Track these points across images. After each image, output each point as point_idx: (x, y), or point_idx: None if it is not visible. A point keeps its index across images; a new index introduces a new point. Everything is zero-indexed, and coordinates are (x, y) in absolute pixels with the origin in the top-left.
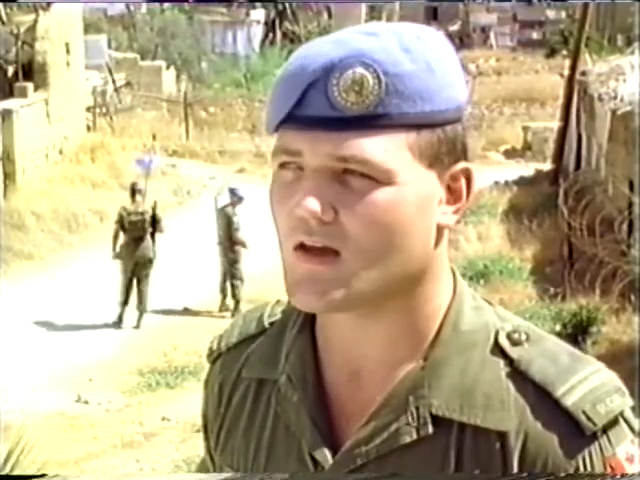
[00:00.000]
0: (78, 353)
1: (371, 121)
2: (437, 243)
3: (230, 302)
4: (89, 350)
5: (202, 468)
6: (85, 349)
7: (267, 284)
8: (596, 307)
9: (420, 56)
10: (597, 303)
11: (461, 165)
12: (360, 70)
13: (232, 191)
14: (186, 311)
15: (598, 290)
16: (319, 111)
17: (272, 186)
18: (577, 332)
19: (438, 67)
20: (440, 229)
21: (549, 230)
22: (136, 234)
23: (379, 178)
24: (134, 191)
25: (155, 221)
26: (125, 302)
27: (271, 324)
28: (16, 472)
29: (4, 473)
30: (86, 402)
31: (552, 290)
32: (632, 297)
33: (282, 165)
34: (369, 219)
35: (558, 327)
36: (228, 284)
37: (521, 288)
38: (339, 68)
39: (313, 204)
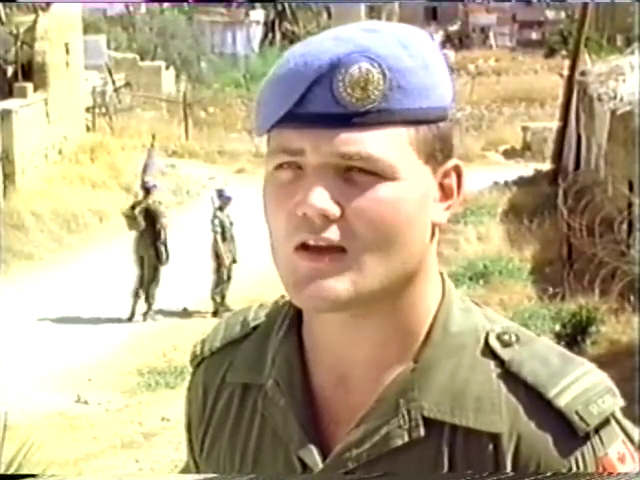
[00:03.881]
0: (78, 353)
1: (374, 117)
2: (430, 241)
3: (227, 304)
4: (89, 350)
5: (186, 473)
6: (85, 349)
7: (267, 284)
8: (595, 307)
9: (417, 53)
10: (596, 303)
11: (452, 162)
12: (366, 65)
13: (220, 193)
14: (186, 311)
15: (597, 290)
16: (323, 108)
17: (266, 188)
18: (576, 332)
19: (432, 64)
20: (433, 227)
21: (548, 230)
22: (130, 229)
23: (383, 174)
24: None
25: (151, 217)
26: (135, 296)
27: (255, 328)
28: (16, 472)
29: (4, 473)
30: (86, 402)
31: (551, 290)
32: (631, 297)
33: (279, 166)
34: (375, 215)
35: (557, 327)
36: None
37: (520, 288)
38: (344, 64)
39: (320, 201)
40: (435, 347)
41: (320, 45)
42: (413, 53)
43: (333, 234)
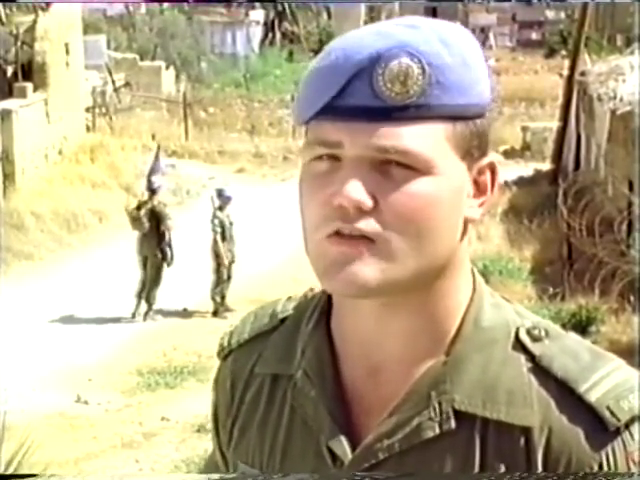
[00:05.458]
0: (78, 353)
1: (412, 112)
2: (461, 237)
3: (227, 304)
4: (89, 350)
5: (210, 464)
6: (85, 349)
7: (267, 284)
8: (595, 307)
9: (457, 50)
10: (596, 303)
11: (488, 159)
12: (406, 60)
13: (220, 192)
14: (186, 311)
15: (597, 290)
16: (362, 101)
17: (302, 178)
18: (576, 332)
19: (472, 62)
20: (465, 223)
21: (548, 230)
22: (134, 229)
23: (419, 169)
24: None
25: (156, 218)
26: (138, 297)
27: (284, 320)
28: (16, 472)
29: (4, 473)
30: (86, 402)
31: (551, 290)
32: (631, 297)
33: (316, 158)
34: (408, 209)
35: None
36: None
37: (520, 288)
38: (385, 58)
39: (355, 192)
40: (466, 341)
41: (361, 39)
42: (453, 51)
43: (365, 225)
